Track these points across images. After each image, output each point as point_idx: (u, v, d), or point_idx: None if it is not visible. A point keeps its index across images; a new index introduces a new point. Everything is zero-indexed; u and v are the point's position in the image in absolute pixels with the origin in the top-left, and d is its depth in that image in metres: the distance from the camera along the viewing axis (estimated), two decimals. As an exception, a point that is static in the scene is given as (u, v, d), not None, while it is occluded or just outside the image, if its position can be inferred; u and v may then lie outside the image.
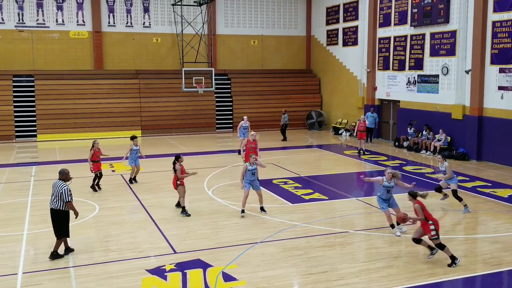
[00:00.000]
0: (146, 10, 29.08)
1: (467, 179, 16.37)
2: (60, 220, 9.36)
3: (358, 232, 11.11)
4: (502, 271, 8.97)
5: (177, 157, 12.35)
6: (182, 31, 28.49)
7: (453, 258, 8.97)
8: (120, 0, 28.50)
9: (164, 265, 9.03)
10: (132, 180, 15.67)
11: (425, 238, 9.24)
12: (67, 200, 9.24)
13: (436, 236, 8.96)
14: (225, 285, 8.24)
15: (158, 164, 18.93)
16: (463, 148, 20.02)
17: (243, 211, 12.07)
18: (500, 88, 18.55)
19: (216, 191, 14.67)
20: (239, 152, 18.75)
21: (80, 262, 9.28)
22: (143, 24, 29.09)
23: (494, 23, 18.62)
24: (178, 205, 12.63)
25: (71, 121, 26.31)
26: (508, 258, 9.46)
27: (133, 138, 15.55)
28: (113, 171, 17.86)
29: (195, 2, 27.32)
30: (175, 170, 12.25)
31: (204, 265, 9.01)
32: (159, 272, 8.76)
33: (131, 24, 28.87)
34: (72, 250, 9.65)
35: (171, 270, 8.81)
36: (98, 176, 14.69)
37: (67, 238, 9.61)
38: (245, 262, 9.17)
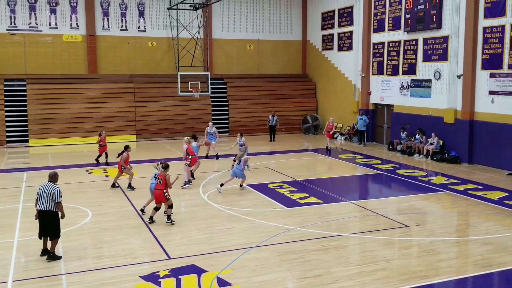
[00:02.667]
0: (141, 14, 29.13)
1: (459, 182, 16.56)
2: (53, 221, 9.53)
3: (353, 235, 11.17)
4: (492, 272, 9.10)
5: (126, 147, 15.50)
6: (178, 35, 28.64)
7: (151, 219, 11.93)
8: (114, 3, 28.51)
9: (158, 271, 9.04)
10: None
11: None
12: (58, 200, 9.44)
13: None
14: (219, 290, 8.31)
15: (153, 170, 18.91)
16: (455, 151, 20.19)
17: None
18: (491, 92, 18.72)
19: (211, 196, 14.72)
20: (206, 156, 21.06)
21: (72, 269, 9.21)
22: (138, 28, 29.14)
23: (485, 28, 18.82)
24: (113, 185, 15.74)
25: (64, 126, 26.12)
26: (498, 260, 9.59)
27: (194, 137, 17.25)
28: (106, 176, 17.85)
29: (191, 6, 27.41)
30: (119, 155, 15.39)
31: (198, 271, 9.03)
32: (153, 278, 8.78)
33: (126, 28, 28.90)
34: (59, 257, 9.69)
35: (165, 276, 8.80)
36: (103, 155, 19.67)
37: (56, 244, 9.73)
38: (240, 267, 9.23)
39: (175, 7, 27.75)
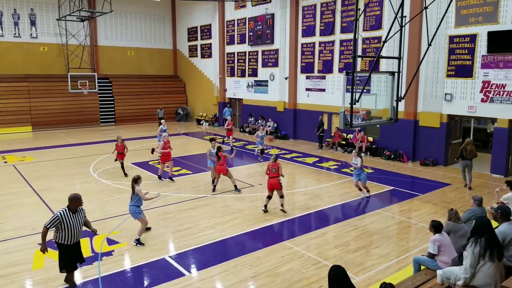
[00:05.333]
0: (33, 23, 25.40)
1: (287, 152, 17.68)
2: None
3: (215, 195, 11.28)
4: (309, 213, 9.90)
5: (219, 148, 11.70)
6: (67, 42, 25.65)
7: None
8: (7, 14, 24.52)
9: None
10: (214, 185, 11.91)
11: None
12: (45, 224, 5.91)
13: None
14: (109, 248, 7.76)
15: (49, 155, 16.93)
16: (285, 131, 21.42)
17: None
18: (307, 89, 20.23)
19: (101, 173, 13.65)
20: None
21: (-26, 243, 7.89)
22: (31, 35, 25.39)
23: (302, 44, 20.19)
24: (236, 187, 11.60)
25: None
26: (313, 204, 10.49)
27: (212, 140, 12.39)
28: (5, 162, 15.45)
29: (78, 18, 24.63)
30: (219, 158, 11.47)
31: (91, 235, 8.26)
32: (50, 244, 7.72)
33: (19, 35, 25.00)
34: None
35: (62, 241, 8.00)
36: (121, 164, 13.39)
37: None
38: (126, 228, 8.73)
39: (63, 18, 24.69)
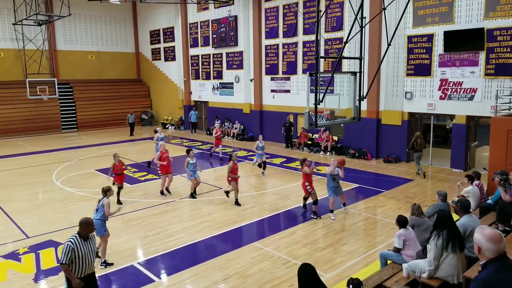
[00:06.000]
0: (-15, 27, 24.08)
1: (254, 153, 17.72)
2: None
3: (184, 200, 11.17)
4: (278, 213, 10.03)
5: (231, 156, 10.90)
6: (24, 47, 24.49)
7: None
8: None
9: (18, 249, 7.85)
10: (194, 194, 11.33)
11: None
12: (61, 261, 5.08)
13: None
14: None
15: (8, 164, 16.11)
16: (251, 132, 21.48)
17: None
18: (272, 91, 20.43)
19: (64, 181, 13.17)
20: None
21: None
22: (-17, 40, 24.09)
23: (266, 46, 20.39)
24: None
25: None
26: (282, 204, 10.62)
27: (188, 151, 11.44)
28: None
29: (35, 22, 23.60)
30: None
31: (55, 244, 8.08)
32: (13, 256, 7.58)
33: (-31, 39, 23.62)
34: None
35: (25, 253, 7.70)
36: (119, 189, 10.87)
37: None
38: (92, 236, 8.50)
39: (20, 22, 23.57)
